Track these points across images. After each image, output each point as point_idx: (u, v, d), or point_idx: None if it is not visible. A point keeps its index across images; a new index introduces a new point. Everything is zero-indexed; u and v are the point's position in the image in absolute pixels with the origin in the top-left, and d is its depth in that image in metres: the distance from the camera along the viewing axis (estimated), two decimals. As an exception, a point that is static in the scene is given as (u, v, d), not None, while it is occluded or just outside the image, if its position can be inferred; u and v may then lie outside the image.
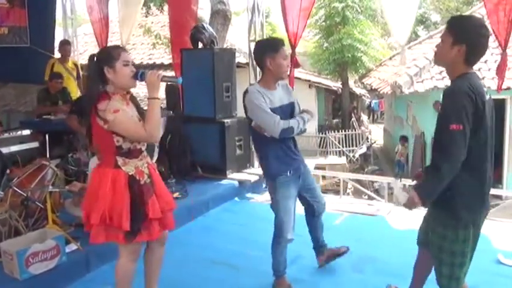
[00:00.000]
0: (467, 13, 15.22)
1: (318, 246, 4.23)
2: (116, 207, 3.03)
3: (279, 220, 3.78)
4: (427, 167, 2.85)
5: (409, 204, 2.81)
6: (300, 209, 4.03)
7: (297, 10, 6.70)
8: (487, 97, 2.69)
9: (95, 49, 10.47)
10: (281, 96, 3.77)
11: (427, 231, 2.99)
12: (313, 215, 4.10)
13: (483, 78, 11.07)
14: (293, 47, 6.89)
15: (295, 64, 6.97)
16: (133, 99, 3.23)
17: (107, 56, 3.06)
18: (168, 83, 3.17)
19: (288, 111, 3.79)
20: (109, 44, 9.60)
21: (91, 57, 3.17)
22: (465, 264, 2.81)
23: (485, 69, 11.35)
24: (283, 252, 3.87)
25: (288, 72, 3.85)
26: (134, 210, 3.06)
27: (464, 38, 2.65)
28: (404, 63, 6.93)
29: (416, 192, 2.76)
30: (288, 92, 3.88)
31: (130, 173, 3.10)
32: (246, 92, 3.72)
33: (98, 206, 3.04)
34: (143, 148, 3.19)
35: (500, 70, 5.80)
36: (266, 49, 3.66)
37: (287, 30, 6.91)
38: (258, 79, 7.26)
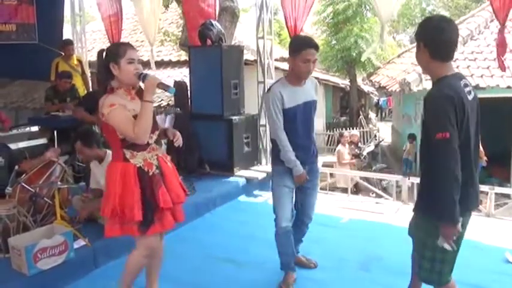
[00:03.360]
0: (476, 11, 15.13)
1: None
2: (126, 200, 3.08)
3: (274, 208, 3.89)
4: (428, 189, 2.78)
5: (447, 238, 2.69)
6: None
7: (296, 3, 6.71)
8: (470, 97, 2.69)
9: (103, 46, 10.49)
10: (306, 93, 3.78)
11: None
12: (296, 223, 4.05)
13: (492, 76, 11.02)
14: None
15: None
16: (140, 95, 3.22)
17: (113, 52, 3.14)
18: (162, 88, 3.19)
19: (311, 107, 3.82)
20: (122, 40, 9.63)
21: (100, 52, 3.24)
22: (446, 260, 2.81)
23: (494, 67, 11.28)
24: (283, 243, 3.88)
25: (308, 75, 3.77)
26: (145, 202, 3.11)
27: (421, 36, 2.75)
28: (383, 42, 6.95)
29: (441, 225, 2.66)
30: (315, 89, 3.89)
31: (138, 165, 3.14)
32: (268, 90, 3.79)
33: (109, 200, 3.12)
34: (151, 141, 3.23)
35: (501, 46, 5.83)
36: (292, 48, 3.68)
37: (286, 23, 6.95)
38: (266, 76, 7.32)
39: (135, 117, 3.08)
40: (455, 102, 2.56)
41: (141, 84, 3.18)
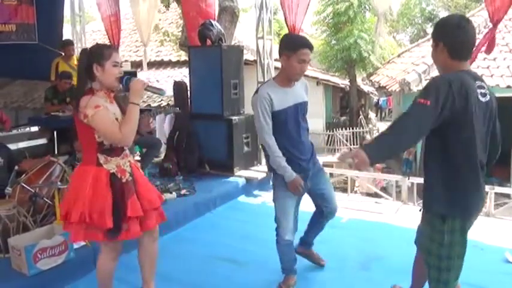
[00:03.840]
0: (476, 11, 15.14)
1: (305, 240, 4.17)
2: (96, 206, 3.00)
3: (276, 218, 3.74)
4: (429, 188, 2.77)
5: (352, 162, 2.53)
6: (309, 207, 4.01)
7: (295, 2, 6.73)
8: (484, 99, 2.62)
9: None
10: (297, 94, 3.61)
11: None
12: (319, 216, 3.98)
13: (492, 75, 11.01)
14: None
15: None
16: (117, 99, 3.21)
17: (99, 53, 3.07)
18: (152, 91, 3.18)
19: (302, 109, 3.65)
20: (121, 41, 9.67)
21: (83, 51, 3.20)
22: (453, 267, 2.73)
23: (494, 67, 11.30)
24: (285, 252, 3.82)
25: (300, 77, 3.59)
26: (115, 208, 3.04)
27: (440, 35, 2.69)
28: (380, 35, 6.96)
29: (362, 149, 2.53)
30: (305, 90, 3.73)
31: (111, 171, 3.09)
32: (256, 92, 3.60)
33: (77, 204, 3.02)
34: (125, 146, 3.19)
35: (488, 45, 5.72)
36: (286, 47, 3.49)
37: (286, 22, 6.96)
38: (266, 76, 7.31)
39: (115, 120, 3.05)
40: (454, 87, 2.48)
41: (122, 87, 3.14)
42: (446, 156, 2.62)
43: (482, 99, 2.62)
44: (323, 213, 3.95)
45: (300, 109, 3.64)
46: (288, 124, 3.56)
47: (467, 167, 2.61)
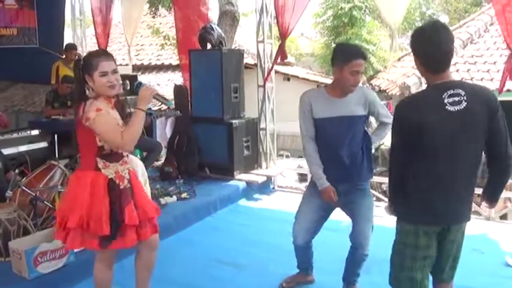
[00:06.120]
0: (476, 15, 15.13)
1: (344, 277, 3.95)
2: (94, 212, 2.96)
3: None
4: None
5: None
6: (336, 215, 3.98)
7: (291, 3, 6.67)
8: (457, 107, 2.49)
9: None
10: (346, 107, 3.41)
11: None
12: (350, 249, 3.81)
13: (491, 79, 11.01)
14: (283, 37, 6.89)
15: (282, 56, 6.94)
16: (117, 104, 3.15)
17: (87, 64, 3.04)
18: (159, 100, 3.14)
19: (349, 123, 3.44)
20: (112, 45, 9.70)
21: (77, 61, 3.16)
22: (405, 267, 2.77)
23: (494, 71, 11.28)
24: (296, 251, 3.81)
25: (355, 88, 3.39)
26: (113, 215, 3.00)
27: (413, 49, 2.65)
28: (396, 50, 6.93)
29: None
30: (364, 104, 3.48)
31: (110, 177, 3.04)
32: (303, 94, 3.54)
33: (76, 210, 2.99)
34: (125, 153, 3.16)
35: (508, 70, 5.50)
36: (337, 57, 3.35)
37: (277, 21, 6.90)
38: (265, 80, 7.31)
39: None
40: (411, 119, 2.56)
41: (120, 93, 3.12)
42: (411, 166, 2.67)
43: (452, 108, 2.51)
44: (352, 244, 3.77)
45: (346, 123, 3.44)
46: (327, 135, 3.45)
47: (422, 181, 2.64)
